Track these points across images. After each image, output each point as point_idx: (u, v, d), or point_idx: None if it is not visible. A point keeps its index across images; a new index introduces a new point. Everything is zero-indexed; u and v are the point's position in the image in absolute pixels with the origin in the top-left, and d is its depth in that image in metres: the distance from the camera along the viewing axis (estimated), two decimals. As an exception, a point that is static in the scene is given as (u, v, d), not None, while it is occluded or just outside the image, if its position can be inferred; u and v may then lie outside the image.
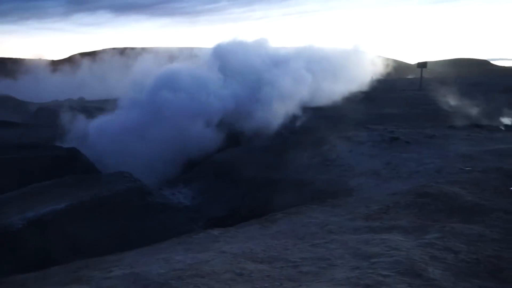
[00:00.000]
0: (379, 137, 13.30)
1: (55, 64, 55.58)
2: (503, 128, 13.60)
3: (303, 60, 22.44)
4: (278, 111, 17.59)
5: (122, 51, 52.40)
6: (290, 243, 5.85)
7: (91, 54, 59.00)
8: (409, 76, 55.25)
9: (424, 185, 8.31)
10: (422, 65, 38.06)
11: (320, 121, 16.90)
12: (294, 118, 18.47)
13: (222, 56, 20.44)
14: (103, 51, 61.00)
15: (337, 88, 21.04)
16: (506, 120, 15.04)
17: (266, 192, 10.82)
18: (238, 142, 16.80)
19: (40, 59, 56.20)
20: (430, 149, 11.59)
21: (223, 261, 5.16)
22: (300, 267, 4.90)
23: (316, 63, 23.06)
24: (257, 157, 13.71)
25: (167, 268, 5.09)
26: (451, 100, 19.74)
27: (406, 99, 23.58)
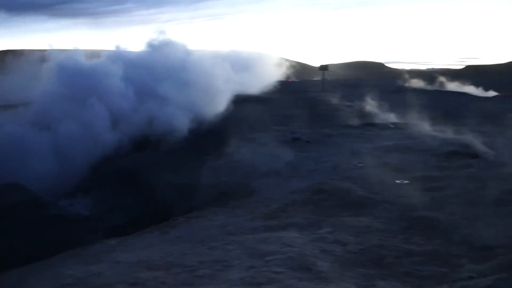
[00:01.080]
0: (282, 138, 13.69)
1: None
2: (392, 126, 14.69)
3: (210, 63, 22.38)
4: (184, 115, 17.39)
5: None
6: (189, 247, 5.81)
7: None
8: (315, 78, 57.58)
9: (320, 182, 8.71)
10: (324, 68, 39.77)
11: (226, 124, 17.00)
12: (200, 121, 18.39)
13: (124, 58, 19.80)
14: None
15: (243, 91, 21.29)
16: (394, 119, 16.26)
17: (170, 197, 10.64)
18: (142, 147, 16.37)
19: None
20: (327, 148, 12.17)
21: (117, 272, 4.99)
22: (197, 271, 4.88)
23: (223, 66, 23.11)
24: (161, 162, 13.45)
25: (56, 284, 4.82)
26: (349, 101, 20.93)
27: (308, 101, 24.51)
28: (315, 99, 24.17)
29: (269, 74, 26.02)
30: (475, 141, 11.08)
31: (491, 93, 37.76)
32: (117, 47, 21.06)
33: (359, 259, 5.01)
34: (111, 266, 5.24)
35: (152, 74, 18.87)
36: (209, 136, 16.08)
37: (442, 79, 44.37)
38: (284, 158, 11.79)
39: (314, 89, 35.18)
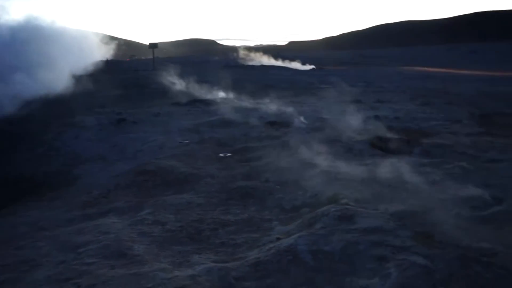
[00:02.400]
0: (107, 120, 13.00)
1: None
2: (218, 101, 15.06)
3: (23, 41, 19.98)
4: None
5: None
6: (-10, 250, 5.14)
7: None
8: (143, 58, 56.02)
9: (145, 163, 8.50)
10: (153, 46, 38.85)
11: (45, 109, 15.52)
12: (14, 107, 16.45)
13: None
14: None
15: (62, 72, 19.60)
16: (221, 94, 16.71)
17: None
18: None
19: None
20: (155, 127, 11.93)
21: None
22: (-4, 276, 4.33)
23: (38, 44, 20.84)
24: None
25: None
26: (179, 78, 20.80)
27: (137, 80, 23.75)
28: (144, 78, 23.51)
29: (93, 53, 24.43)
30: (291, 111, 12.01)
31: (309, 67, 41.38)
32: None
33: (177, 237, 5.01)
34: None
35: None
36: (25, 122, 14.53)
37: (266, 54, 47.06)
38: (109, 141, 11.25)
39: (144, 67, 34.24)
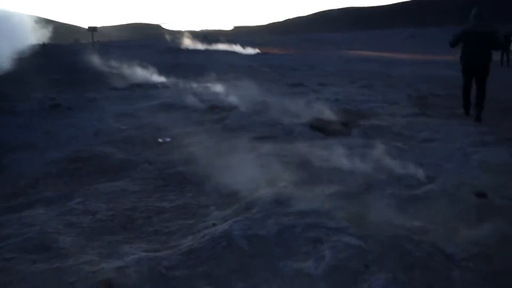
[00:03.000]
0: (39, 106, 12.32)
1: None
2: (159, 86, 14.65)
3: None
4: None
5: None
6: None
7: None
8: (83, 41, 53.86)
9: (78, 150, 8.08)
10: (93, 29, 37.53)
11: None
12: None
13: None
14: None
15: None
16: (162, 78, 16.26)
17: None
18: None
19: None
20: (91, 113, 11.42)
21: None
22: None
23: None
24: None
25: None
26: (118, 62, 20.06)
27: (75, 64, 22.72)
28: (82, 62, 22.48)
29: (28, 36, 23.08)
30: (233, 95, 11.85)
31: (253, 51, 41.31)
32: None
33: (108, 226, 4.75)
34: None
35: None
36: None
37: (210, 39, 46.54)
38: (41, 127, 10.63)
39: (83, 52, 32.87)
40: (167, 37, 51.57)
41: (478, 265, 3.44)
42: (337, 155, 6.41)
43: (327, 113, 9.28)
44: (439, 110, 9.95)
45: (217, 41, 48.56)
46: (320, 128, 8.32)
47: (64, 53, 29.96)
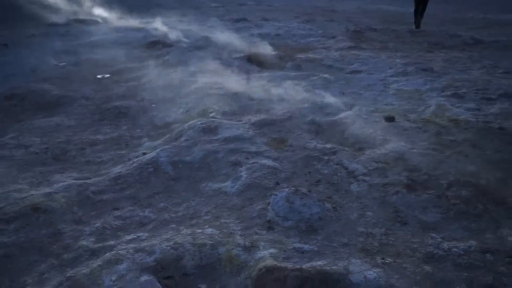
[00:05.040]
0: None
1: None
2: (100, 21, 14.21)
3: None
4: None
5: None
6: None
7: None
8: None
9: (13, 87, 7.96)
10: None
11: None
12: None
13: None
14: None
15: None
16: (104, 13, 15.70)
17: None
18: None
19: None
20: (29, 50, 11.06)
21: None
22: None
23: None
24: None
25: None
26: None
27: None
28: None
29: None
30: (176, 30, 11.73)
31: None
32: None
33: (40, 158, 4.91)
34: None
35: None
36: None
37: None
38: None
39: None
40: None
41: (373, 178, 3.89)
42: (268, 86, 6.69)
43: (266, 48, 9.45)
44: (372, 44, 10.32)
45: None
46: (257, 62, 8.52)
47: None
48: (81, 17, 14.90)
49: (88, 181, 4.18)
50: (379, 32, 11.97)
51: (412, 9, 13.24)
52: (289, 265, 2.71)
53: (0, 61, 10.37)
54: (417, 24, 12.90)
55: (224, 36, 10.61)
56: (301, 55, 9.01)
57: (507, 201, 3.46)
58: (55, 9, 16.57)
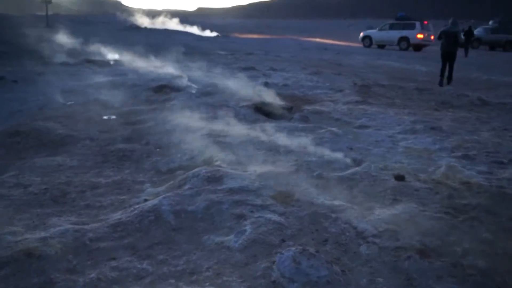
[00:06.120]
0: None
1: None
2: (111, 63, 14.43)
3: None
4: None
5: None
6: None
7: None
8: (38, 13, 51.69)
9: (19, 124, 7.92)
10: (47, 1, 36.09)
11: None
12: None
13: None
14: None
15: None
16: (115, 56, 15.99)
17: None
18: None
19: None
20: (37, 87, 11.16)
21: None
22: None
23: None
24: None
25: None
26: (73, 37, 19.52)
27: (26, 37, 21.91)
28: (39, 34, 21.69)
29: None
30: (184, 76, 11.86)
31: (213, 33, 41.05)
32: None
33: (39, 199, 4.77)
34: None
35: None
36: None
37: (172, 19, 45.83)
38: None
39: (38, 24, 31.70)
40: (124, 14, 50.27)
41: (384, 240, 3.72)
42: (275, 137, 6.62)
43: (274, 98, 9.48)
44: (380, 99, 10.37)
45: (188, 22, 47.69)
46: (264, 112, 8.51)
47: (14, 24, 28.73)
48: (93, 58, 15.13)
49: (86, 226, 4.02)
50: (386, 88, 12.08)
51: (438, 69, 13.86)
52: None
53: (8, 97, 10.43)
54: (441, 83, 13.28)
55: (232, 83, 10.69)
56: (309, 107, 9.02)
57: (525, 273, 3.28)
58: (67, 49, 16.92)
